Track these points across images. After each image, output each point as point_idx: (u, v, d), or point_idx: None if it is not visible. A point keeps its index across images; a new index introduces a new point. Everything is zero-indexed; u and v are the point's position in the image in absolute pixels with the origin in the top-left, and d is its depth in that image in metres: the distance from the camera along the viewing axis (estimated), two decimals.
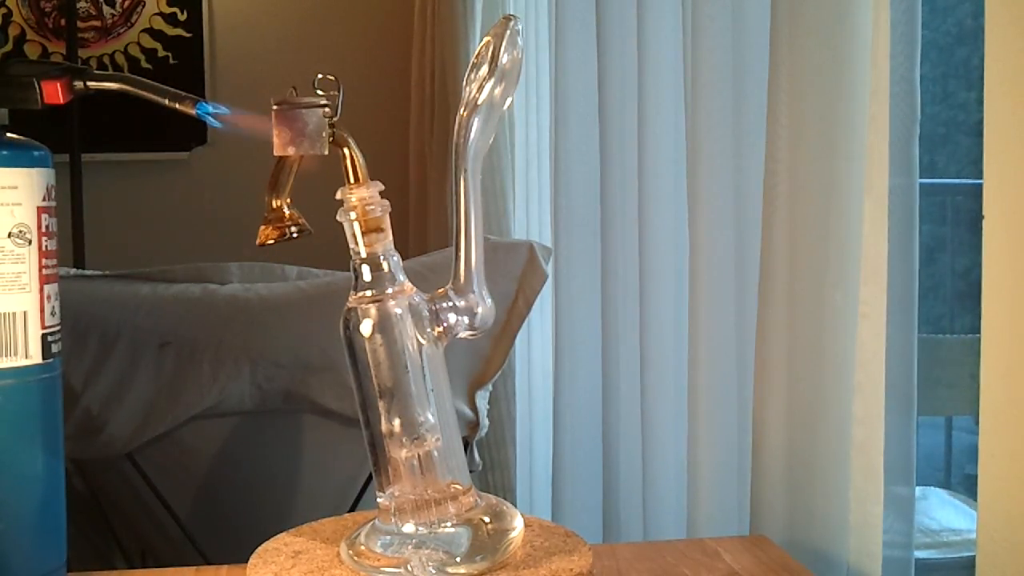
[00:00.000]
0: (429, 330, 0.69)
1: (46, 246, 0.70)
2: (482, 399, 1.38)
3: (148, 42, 2.85)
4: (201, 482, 1.29)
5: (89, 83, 0.69)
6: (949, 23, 3.37)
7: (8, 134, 0.69)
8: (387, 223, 0.69)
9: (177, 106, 0.67)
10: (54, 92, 0.68)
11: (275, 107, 0.66)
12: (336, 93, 0.67)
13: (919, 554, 1.44)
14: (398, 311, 0.68)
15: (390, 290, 0.68)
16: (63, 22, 2.71)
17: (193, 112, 0.67)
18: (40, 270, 0.69)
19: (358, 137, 0.68)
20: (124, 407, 1.22)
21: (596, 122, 1.61)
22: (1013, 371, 0.88)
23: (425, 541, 0.68)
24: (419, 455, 0.68)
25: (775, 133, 1.39)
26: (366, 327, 0.68)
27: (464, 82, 0.70)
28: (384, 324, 0.68)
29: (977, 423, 0.93)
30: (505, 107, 0.70)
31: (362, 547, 0.69)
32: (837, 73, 1.31)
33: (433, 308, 0.70)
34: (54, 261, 0.71)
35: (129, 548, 1.33)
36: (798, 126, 1.35)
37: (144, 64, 2.85)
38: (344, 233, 0.69)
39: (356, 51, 2.83)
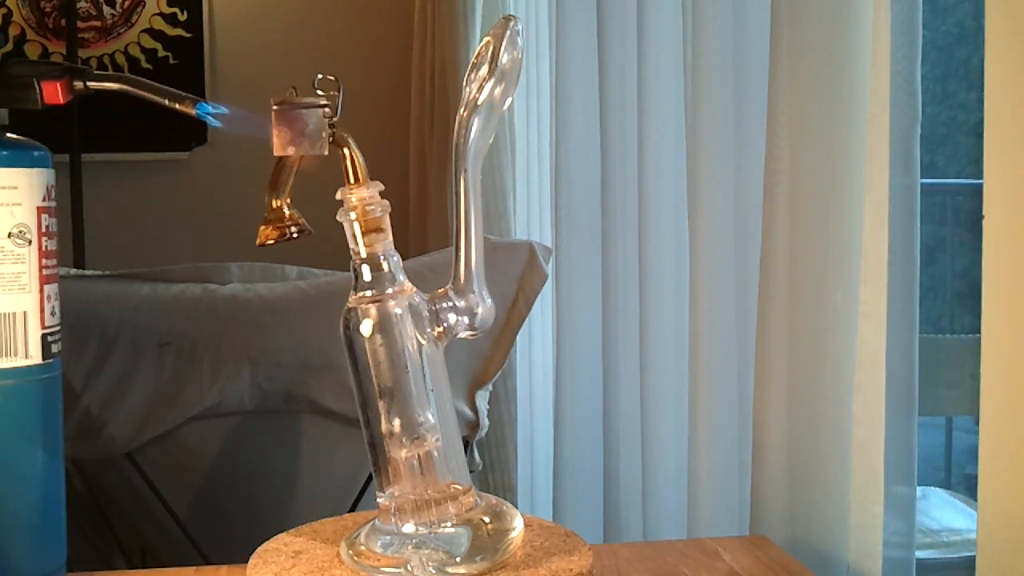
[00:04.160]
0: (429, 330, 0.69)
1: (46, 246, 0.70)
2: (482, 399, 1.38)
3: (148, 42, 2.85)
4: (201, 482, 1.29)
5: (89, 83, 0.69)
6: (949, 23, 3.37)
7: (8, 134, 0.69)
8: (387, 223, 0.69)
9: (177, 106, 0.67)
10: (54, 92, 0.68)
11: (275, 107, 0.66)
12: (336, 93, 0.67)
13: (919, 554, 1.44)
14: (398, 311, 0.68)
15: (390, 290, 0.68)
16: (63, 22, 2.71)
17: (193, 112, 0.67)
18: (40, 270, 0.69)
19: (358, 137, 0.68)
20: (124, 407, 1.22)
21: (596, 122, 1.61)
22: (1013, 371, 0.88)
23: (425, 541, 0.68)
24: (419, 455, 0.68)
25: (775, 133, 1.39)
26: (366, 327, 0.68)
27: (464, 82, 0.70)
28: (384, 324, 0.68)
29: (977, 423, 0.93)
30: (505, 107, 0.70)
31: (362, 547, 0.69)
32: (837, 73, 1.31)
33: (433, 308, 0.70)
34: (54, 261, 0.71)
35: (129, 548, 1.33)
36: (798, 126, 1.35)
37: (144, 64, 2.85)
38: (344, 233, 0.69)
39: (356, 51, 2.83)
